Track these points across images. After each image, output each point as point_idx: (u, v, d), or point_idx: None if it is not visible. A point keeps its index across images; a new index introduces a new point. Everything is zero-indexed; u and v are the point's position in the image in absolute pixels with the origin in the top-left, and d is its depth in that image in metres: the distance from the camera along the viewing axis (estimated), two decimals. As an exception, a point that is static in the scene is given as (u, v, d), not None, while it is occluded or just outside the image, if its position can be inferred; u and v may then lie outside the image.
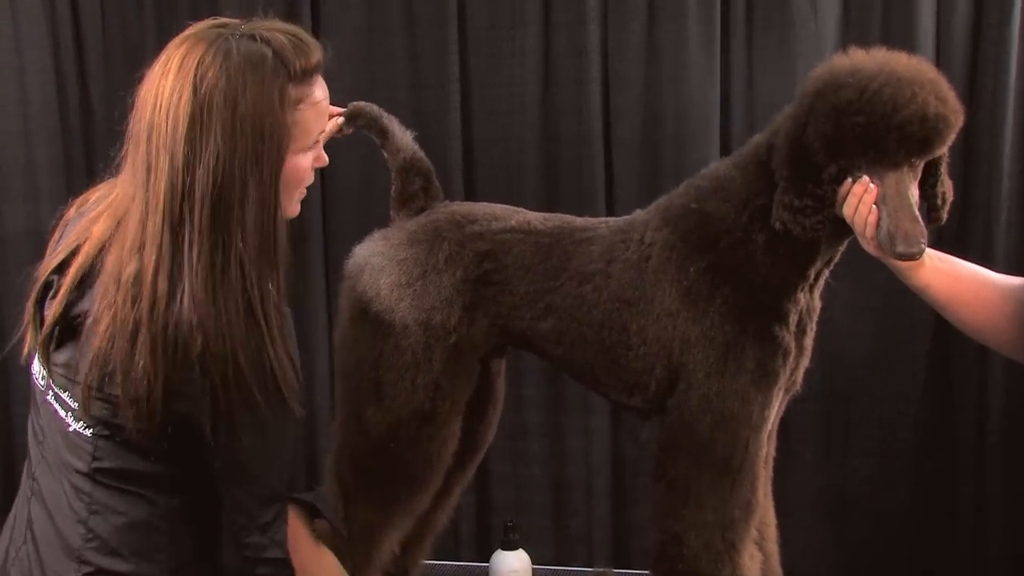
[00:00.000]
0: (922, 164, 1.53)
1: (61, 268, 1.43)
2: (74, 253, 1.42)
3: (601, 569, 2.15)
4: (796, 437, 2.59)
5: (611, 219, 1.83)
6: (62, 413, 1.44)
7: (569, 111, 2.68)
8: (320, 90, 1.45)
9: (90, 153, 2.87)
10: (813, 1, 2.55)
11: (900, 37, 2.51)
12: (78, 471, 1.43)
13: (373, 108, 1.91)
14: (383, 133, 1.90)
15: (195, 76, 1.33)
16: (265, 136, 1.34)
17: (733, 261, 1.64)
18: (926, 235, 1.49)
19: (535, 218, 1.84)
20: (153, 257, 1.32)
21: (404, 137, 1.92)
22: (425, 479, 1.81)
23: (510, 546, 1.92)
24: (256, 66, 1.35)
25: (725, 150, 2.64)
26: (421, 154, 1.92)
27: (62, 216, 1.52)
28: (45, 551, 1.44)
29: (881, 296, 2.53)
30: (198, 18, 1.49)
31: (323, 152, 1.51)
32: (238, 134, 1.32)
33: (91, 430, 1.41)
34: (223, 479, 1.41)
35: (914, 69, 1.50)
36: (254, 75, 1.34)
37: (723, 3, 2.59)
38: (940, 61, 2.48)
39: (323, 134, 1.53)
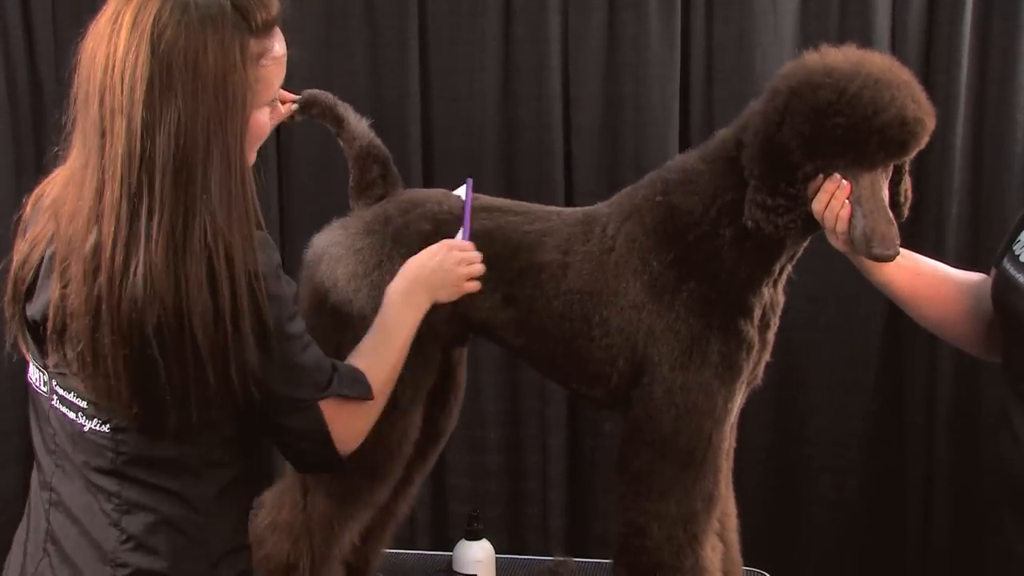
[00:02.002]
0: (892, 165, 1.55)
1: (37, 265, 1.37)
2: (50, 239, 1.35)
3: (561, 558, 2.15)
4: (749, 427, 2.62)
5: (564, 210, 1.82)
6: (72, 415, 1.37)
7: (529, 98, 2.68)
8: (280, 43, 1.38)
9: (39, 132, 2.81)
10: (772, -6, 2.57)
11: (857, 32, 2.55)
12: (102, 470, 1.36)
13: (327, 96, 1.87)
14: (338, 121, 1.87)
15: (152, 33, 1.24)
16: (229, 95, 1.27)
17: (700, 255, 1.65)
18: (899, 237, 1.51)
19: (481, 204, 1.82)
20: (112, 228, 1.25)
21: (360, 125, 1.89)
22: (386, 470, 1.79)
23: (474, 536, 1.92)
24: (216, 21, 1.27)
25: (684, 140, 2.66)
26: (378, 142, 1.89)
27: (19, 218, 1.44)
28: (77, 559, 1.37)
29: (834, 288, 2.57)
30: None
31: (279, 105, 1.45)
32: (200, 94, 1.25)
33: (108, 424, 1.35)
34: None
35: (889, 71, 1.51)
36: (214, 31, 1.27)
37: (684, -6, 2.60)
38: (895, 53, 2.51)
39: (272, 118, 1.47)
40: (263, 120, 1.40)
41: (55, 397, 1.39)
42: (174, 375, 1.28)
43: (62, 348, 1.33)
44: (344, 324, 1.75)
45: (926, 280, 1.65)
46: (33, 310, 1.37)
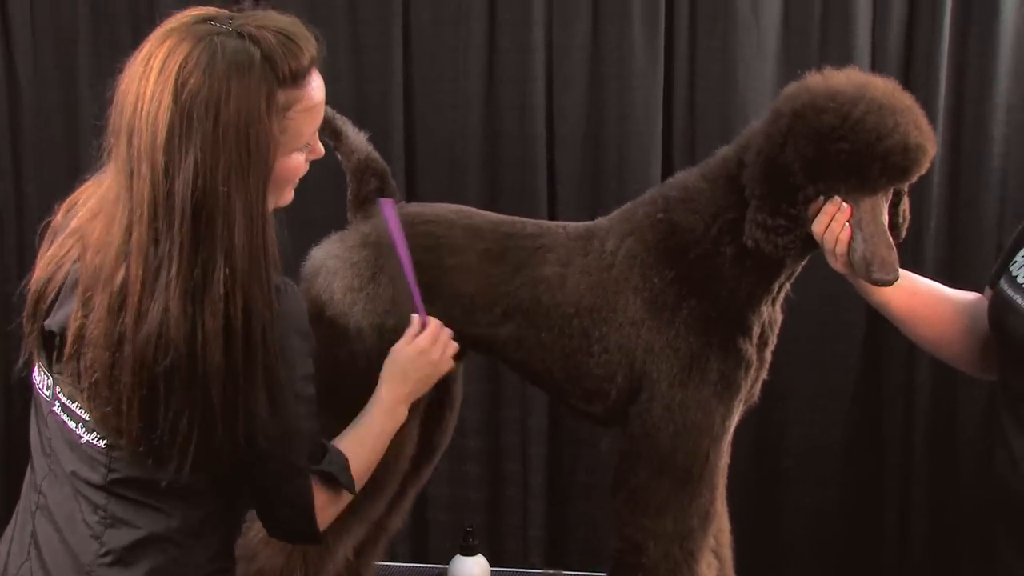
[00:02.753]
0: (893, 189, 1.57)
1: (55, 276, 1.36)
2: (75, 260, 1.34)
3: (551, 571, 2.15)
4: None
5: (568, 224, 1.83)
6: (72, 425, 1.37)
7: (512, 108, 2.67)
8: (314, 90, 1.36)
9: (15, 133, 2.77)
10: (755, 7, 2.59)
11: (837, 45, 2.58)
12: (92, 484, 1.36)
13: (326, 109, 1.87)
14: (336, 135, 1.86)
15: (176, 81, 1.24)
16: (251, 146, 1.26)
17: (700, 273, 1.66)
18: (898, 261, 1.52)
19: (483, 222, 1.82)
20: (139, 269, 1.25)
21: (358, 138, 1.88)
22: (382, 485, 1.78)
23: (469, 551, 1.91)
24: (243, 70, 1.26)
25: (667, 151, 2.67)
26: (376, 155, 1.88)
27: (49, 224, 1.43)
28: (53, 567, 1.37)
29: (815, 299, 2.59)
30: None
31: (318, 143, 1.43)
32: (220, 144, 1.24)
33: (104, 441, 1.34)
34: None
35: (892, 96, 1.53)
36: (239, 81, 1.25)
37: (667, 6, 2.61)
38: (875, 69, 2.54)
39: (311, 156, 1.42)
40: (295, 164, 1.38)
41: (57, 404, 1.38)
42: (181, 422, 1.27)
43: (76, 369, 1.32)
44: (340, 337, 1.75)
45: (923, 300, 1.67)
46: (53, 321, 1.36)
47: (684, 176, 1.73)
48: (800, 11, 2.61)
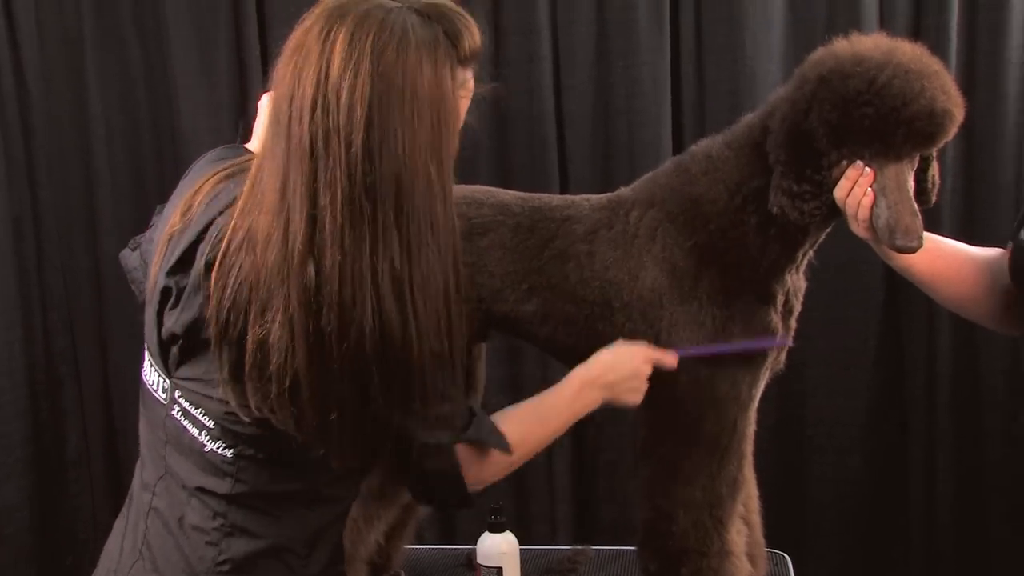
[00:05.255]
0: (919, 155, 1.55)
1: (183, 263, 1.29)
2: (210, 248, 1.25)
3: (579, 547, 2.15)
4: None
5: (592, 196, 1.81)
6: (194, 431, 1.31)
7: (520, 90, 2.67)
8: (471, 75, 1.33)
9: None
10: (759, -24, 2.57)
11: (845, 12, 2.56)
12: (213, 492, 1.31)
13: None
14: None
15: (372, 54, 1.18)
16: (442, 122, 1.22)
17: (724, 242, 1.65)
18: (922, 228, 1.51)
19: (511, 199, 1.82)
20: (337, 258, 1.17)
21: None
22: (411, 468, 1.79)
23: (498, 528, 1.91)
24: (432, 47, 1.22)
25: (676, 124, 2.67)
26: None
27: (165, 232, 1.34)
28: (165, 569, 1.33)
29: (833, 268, 2.57)
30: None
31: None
32: (418, 120, 1.19)
33: (232, 450, 1.29)
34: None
35: (920, 61, 1.50)
36: (430, 56, 1.21)
37: (671, -21, 2.60)
38: (883, 29, 2.52)
39: None
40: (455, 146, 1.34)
41: (176, 408, 1.33)
42: (381, 414, 1.24)
43: (264, 384, 1.22)
44: None
45: (946, 261, 1.65)
46: (174, 323, 1.29)
47: (708, 144, 1.71)
48: (805, -22, 2.59)
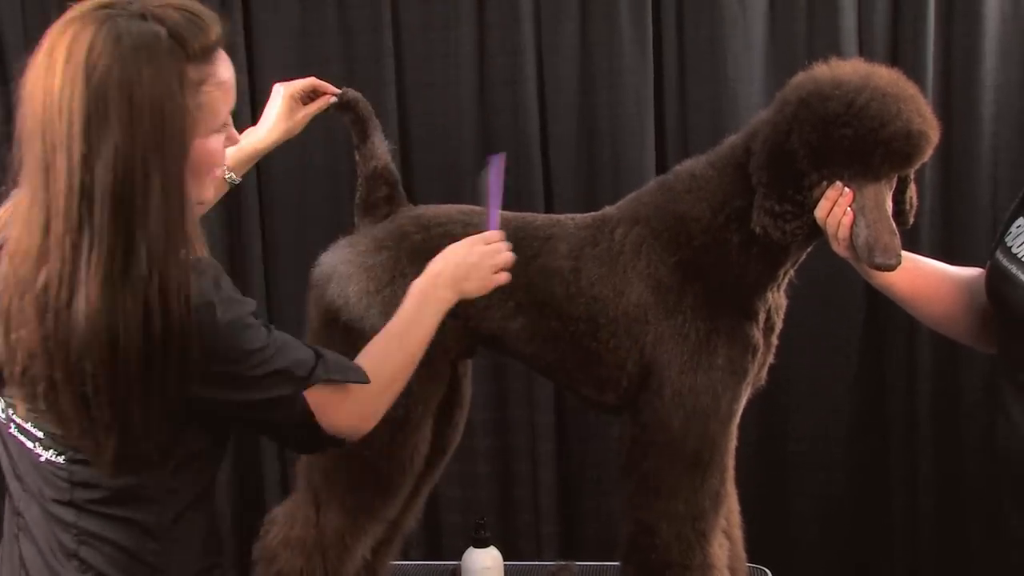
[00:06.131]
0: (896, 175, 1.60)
1: None
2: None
3: (563, 562, 2.18)
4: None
5: (577, 215, 1.85)
6: (30, 444, 1.35)
7: (505, 110, 2.70)
8: (224, 68, 1.34)
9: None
10: (742, 0, 2.62)
11: (825, 35, 2.61)
12: (59, 501, 1.35)
13: (367, 107, 1.87)
14: (364, 136, 1.87)
15: (86, 65, 1.22)
16: (166, 123, 1.24)
17: (707, 260, 1.68)
18: (901, 247, 1.55)
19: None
20: (57, 265, 1.23)
21: (381, 146, 1.88)
22: (398, 485, 1.81)
23: (482, 543, 1.94)
24: (151, 49, 1.24)
25: (660, 145, 2.70)
26: (392, 166, 1.89)
27: None
28: None
29: (816, 285, 2.61)
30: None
31: (234, 130, 1.41)
32: (136, 123, 1.22)
33: (63, 456, 1.33)
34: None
35: (896, 85, 1.56)
36: (149, 59, 1.24)
37: (654, 2, 2.64)
38: (862, 55, 2.56)
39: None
40: (214, 147, 1.36)
41: (12, 425, 1.37)
42: (115, 411, 1.25)
43: (31, 388, 1.28)
44: (357, 342, 1.75)
45: (926, 280, 1.69)
46: None
47: (692, 164, 1.75)
48: (786, 1, 2.64)
